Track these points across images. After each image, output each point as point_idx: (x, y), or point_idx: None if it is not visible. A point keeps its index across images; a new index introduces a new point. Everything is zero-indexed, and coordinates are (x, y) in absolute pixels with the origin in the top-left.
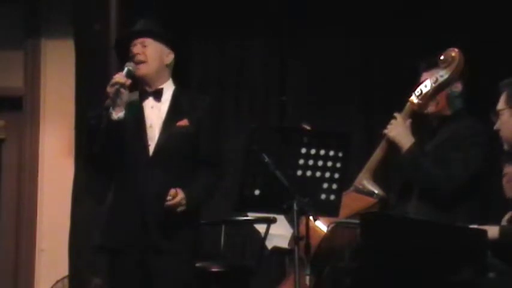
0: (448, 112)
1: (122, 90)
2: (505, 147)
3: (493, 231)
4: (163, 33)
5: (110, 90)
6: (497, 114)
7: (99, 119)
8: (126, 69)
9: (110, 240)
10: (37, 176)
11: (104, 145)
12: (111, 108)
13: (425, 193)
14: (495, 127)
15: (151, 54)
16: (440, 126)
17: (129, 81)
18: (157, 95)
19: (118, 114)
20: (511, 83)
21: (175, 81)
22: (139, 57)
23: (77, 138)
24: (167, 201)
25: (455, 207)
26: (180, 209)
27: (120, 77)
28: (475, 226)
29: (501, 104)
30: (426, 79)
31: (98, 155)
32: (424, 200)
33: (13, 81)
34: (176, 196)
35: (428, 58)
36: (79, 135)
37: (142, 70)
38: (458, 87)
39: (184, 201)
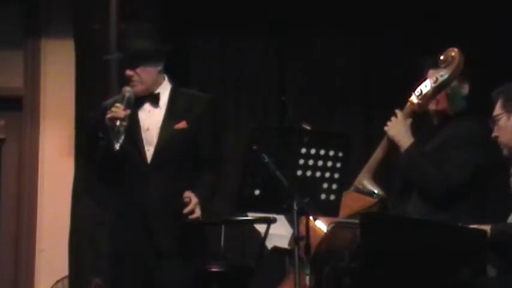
0: (450, 112)
1: (123, 123)
2: (504, 152)
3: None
4: (157, 53)
5: (109, 123)
6: (493, 120)
7: (97, 120)
8: (125, 98)
9: (114, 247)
10: (37, 176)
11: (104, 164)
12: (112, 139)
13: (424, 193)
14: (493, 134)
15: (145, 72)
16: (442, 126)
17: (128, 112)
18: (154, 100)
19: (119, 142)
20: (505, 89)
21: (173, 80)
22: (135, 79)
23: (77, 138)
24: (183, 207)
25: (455, 207)
26: (194, 216)
27: (119, 111)
28: (475, 226)
29: (498, 110)
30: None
31: (98, 169)
32: (423, 199)
33: (13, 81)
34: (190, 202)
35: (434, 56)
36: (79, 135)
37: (139, 88)
38: (466, 88)
39: (199, 208)
